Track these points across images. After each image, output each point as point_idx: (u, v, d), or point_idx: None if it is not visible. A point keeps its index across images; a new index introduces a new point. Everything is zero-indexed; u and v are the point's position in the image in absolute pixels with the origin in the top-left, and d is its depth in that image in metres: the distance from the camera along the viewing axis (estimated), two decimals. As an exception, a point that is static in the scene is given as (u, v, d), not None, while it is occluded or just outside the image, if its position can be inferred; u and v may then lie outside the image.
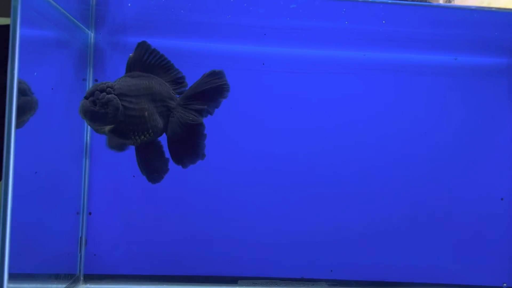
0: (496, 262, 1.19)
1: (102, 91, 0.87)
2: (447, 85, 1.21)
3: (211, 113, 0.98)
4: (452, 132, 1.20)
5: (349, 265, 1.18)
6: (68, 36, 1.04)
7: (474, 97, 1.21)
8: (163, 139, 0.96)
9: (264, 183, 1.18)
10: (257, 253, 1.18)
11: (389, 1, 1.03)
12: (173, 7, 1.06)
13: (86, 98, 0.87)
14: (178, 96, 0.97)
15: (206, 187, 1.17)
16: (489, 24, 1.12)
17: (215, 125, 1.14)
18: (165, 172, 0.95)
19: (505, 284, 1.19)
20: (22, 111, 0.80)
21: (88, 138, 1.14)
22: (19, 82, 0.75)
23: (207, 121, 1.00)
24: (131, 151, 0.94)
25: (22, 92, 0.81)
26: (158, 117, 0.92)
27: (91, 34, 1.14)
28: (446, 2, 1.22)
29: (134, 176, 1.13)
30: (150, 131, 0.91)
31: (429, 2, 1.13)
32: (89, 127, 1.01)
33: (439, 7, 1.12)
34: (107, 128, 0.89)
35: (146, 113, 0.90)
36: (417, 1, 1.06)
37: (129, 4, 1.05)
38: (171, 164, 0.98)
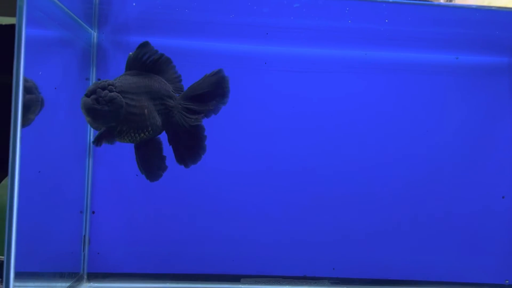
0: (498, 260, 1.20)
1: (103, 88, 0.86)
2: (448, 84, 1.21)
3: (207, 116, 0.98)
4: (453, 131, 1.21)
5: (351, 263, 1.19)
6: (71, 35, 1.05)
7: (475, 96, 1.21)
8: (162, 137, 0.97)
9: (267, 183, 1.18)
10: (259, 252, 1.18)
11: (390, 0, 1.04)
12: (177, 7, 1.06)
13: (88, 96, 0.86)
14: (177, 95, 0.97)
15: (209, 186, 1.17)
16: (489, 23, 1.12)
17: (217, 124, 1.14)
18: (164, 170, 0.96)
19: (507, 281, 1.20)
20: (27, 109, 0.80)
21: (92, 137, 1.14)
22: (25, 81, 0.76)
23: (209, 120, 1.00)
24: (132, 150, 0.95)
25: (27, 90, 0.81)
26: (157, 115, 0.93)
27: (94, 34, 1.14)
28: (447, 1, 1.23)
29: (137, 176, 1.13)
30: (150, 129, 0.91)
31: (430, 1, 1.14)
32: (92, 126, 1.01)
33: (440, 6, 1.12)
34: (108, 126, 0.88)
35: (146, 110, 0.90)
36: (418, 0, 1.06)
37: (134, 4, 1.05)
38: (173, 164, 0.98)
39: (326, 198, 1.19)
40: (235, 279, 1.17)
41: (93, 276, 1.15)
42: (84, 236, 1.14)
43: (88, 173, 1.15)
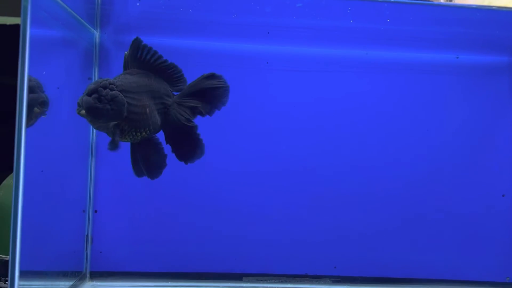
0: (499, 258, 1.20)
1: (105, 87, 0.86)
2: (449, 83, 1.22)
3: (210, 114, 0.99)
4: (453, 130, 1.21)
5: (353, 261, 1.20)
6: (74, 35, 1.05)
7: (475, 95, 1.22)
8: (160, 136, 0.97)
9: (268, 182, 1.19)
10: (261, 251, 1.19)
11: (392, 0, 1.04)
12: (181, 7, 1.07)
13: (89, 95, 0.85)
14: (175, 93, 0.97)
15: (211, 186, 1.18)
16: (490, 23, 1.13)
17: (218, 124, 1.15)
18: (164, 168, 0.96)
19: (508, 279, 1.21)
20: (29, 108, 0.80)
21: (94, 136, 1.15)
22: (28, 80, 0.76)
23: (210, 120, 1.01)
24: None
25: (30, 89, 0.81)
26: (157, 114, 0.93)
27: (97, 34, 1.14)
28: (447, 1, 1.23)
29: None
30: (151, 127, 0.92)
31: (430, 1, 1.14)
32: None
33: (440, 6, 1.13)
34: (110, 125, 0.88)
35: (147, 109, 0.91)
36: (418, 0, 1.07)
37: (138, 4, 1.06)
38: (175, 164, 0.99)
39: (328, 197, 1.19)
40: (237, 277, 1.18)
41: (96, 275, 1.15)
42: (87, 235, 1.15)
43: (90, 173, 1.15)
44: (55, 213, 1.00)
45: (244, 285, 1.16)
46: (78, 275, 1.11)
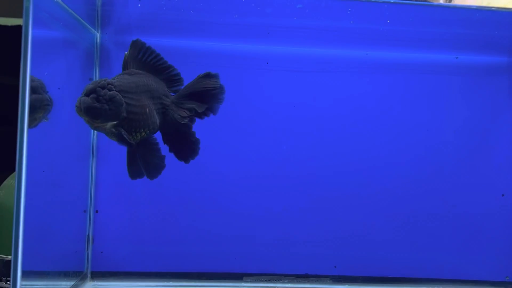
0: (498, 257, 1.21)
1: (103, 87, 0.86)
2: (448, 83, 1.22)
3: (207, 115, 0.99)
4: (453, 129, 1.22)
5: (353, 261, 1.20)
6: (75, 36, 1.05)
7: (475, 95, 1.22)
8: (157, 136, 0.98)
9: (269, 182, 1.19)
10: (262, 250, 1.19)
11: (391, 1, 1.05)
12: (182, 7, 1.07)
13: (87, 95, 0.86)
14: (172, 94, 0.98)
15: (212, 186, 1.18)
16: (489, 23, 1.14)
17: (219, 124, 1.16)
18: (163, 168, 0.96)
19: (507, 278, 1.21)
20: (33, 109, 0.81)
21: (95, 137, 1.15)
22: (32, 80, 0.76)
23: (211, 120, 1.01)
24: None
25: (33, 90, 0.81)
26: (156, 114, 0.93)
27: (97, 34, 1.15)
28: (446, 1, 1.24)
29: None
30: (151, 127, 0.92)
31: (429, 1, 1.15)
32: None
33: (440, 6, 1.13)
34: (108, 125, 0.89)
35: (147, 109, 0.91)
36: (418, 1, 1.07)
37: (139, 5, 1.06)
38: (176, 164, 0.99)
39: (328, 197, 1.20)
40: (238, 277, 1.18)
41: (97, 275, 1.15)
42: (88, 235, 1.15)
43: (91, 173, 1.15)
44: (56, 213, 1.00)
45: (245, 284, 1.16)
46: (79, 275, 1.11)
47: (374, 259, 1.20)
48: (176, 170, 1.12)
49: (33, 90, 0.83)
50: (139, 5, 1.06)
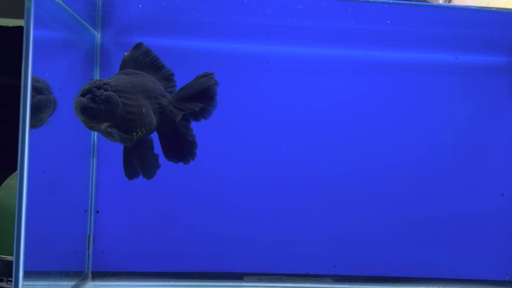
0: (498, 256, 1.21)
1: (99, 88, 0.86)
2: (448, 83, 1.22)
3: (204, 116, 0.99)
4: (453, 129, 1.22)
5: (353, 261, 1.20)
6: (75, 36, 1.05)
7: (474, 95, 1.22)
8: (153, 135, 0.98)
9: (269, 182, 1.19)
10: (262, 250, 1.19)
11: (391, 1, 1.05)
12: (182, 8, 1.07)
13: (83, 95, 0.86)
14: (168, 94, 0.98)
15: (213, 187, 1.18)
16: (488, 23, 1.14)
17: (219, 124, 1.16)
18: (158, 167, 0.97)
19: (507, 277, 1.21)
20: (38, 109, 0.81)
21: (96, 137, 1.15)
22: (36, 81, 0.76)
23: (212, 121, 1.01)
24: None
25: (37, 90, 0.81)
26: (153, 114, 0.93)
27: (98, 35, 1.15)
28: (445, 2, 1.24)
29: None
30: (148, 127, 0.92)
31: (428, 2, 1.15)
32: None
33: (439, 7, 1.14)
34: (104, 125, 0.89)
35: (144, 109, 0.91)
36: (417, 1, 1.08)
37: (140, 6, 1.06)
38: (176, 164, 1.00)
39: (328, 197, 1.20)
40: (238, 277, 1.18)
41: (98, 275, 1.15)
42: (89, 235, 1.15)
43: (92, 173, 1.15)
44: (57, 213, 1.00)
45: (246, 284, 1.16)
46: (80, 275, 1.12)
47: (375, 258, 1.20)
48: (177, 170, 1.12)
49: (38, 91, 0.83)
50: (140, 6, 1.06)
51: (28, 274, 0.78)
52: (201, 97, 0.98)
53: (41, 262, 0.91)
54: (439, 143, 1.21)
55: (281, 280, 1.18)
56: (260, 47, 1.19)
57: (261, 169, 1.19)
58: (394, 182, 1.20)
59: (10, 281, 1.03)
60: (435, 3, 1.16)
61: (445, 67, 1.22)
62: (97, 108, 0.85)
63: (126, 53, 0.94)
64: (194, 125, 1.01)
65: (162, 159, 0.98)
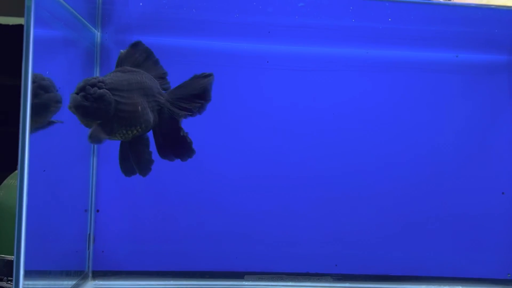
0: (500, 255, 1.21)
1: (93, 85, 0.85)
2: (448, 82, 1.22)
3: (199, 112, 0.99)
4: (454, 128, 1.22)
5: (354, 259, 1.20)
6: (76, 35, 1.05)
7: (475, 93, 1.22)
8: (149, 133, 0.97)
9: (270, 181, 1.19)
10: (262, 249, 1.19)
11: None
12: (183, 6, 1.07)
13: (77, 93, 0.85)
14: (163, 92, 0.98)
15: (212, 185, 1.18)
16: (489, 21, 1.14)
17: (219, 123, 1.16)
18: (152, 163, 0.96)
19: (509, 275, 1.21)
20: (46, 108, 0.80)
21: (96, 136, 1.15)
22: (42, 79, 0.76)
23: (212, 120, 1.01)
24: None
25: (45, 89, 0.81)
26: (149, 112, 0.93)
27: (98, 33, 1.14)
28: (446, -1, 1.24)
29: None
30: (143, 125, 0.91)
31: None
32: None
33: (440, 4, 1.13)
34: (98, 123, 0.88)
35: (139, 107, 0.90)
36: (418, -1, 1.07)
37: (141, 3, 1.06)
38: (177, 163, 0.99)
39: (329, 196, 1.20)
40: (239, 276, 1.18)
41: (98, 274, 1.15)
42: (89, 234, 1.15)
43: (92, 172, 1.15)
44: (57, 212, 1.00)
45: (246, 283, 1.16)
46: (80, 274, 1.11)
47: (375, 257, 1.20)
48: (177, 170, 1.12)
49: (45, 89, 0.83)
50: (141, 3, 1.06)
51: (28, 274, 0.78)
52: (198, 97, 0.98)
53: (41, 262, 0.90)
54: (440, 141, 1.21)
55: (281, 279, 1.18)
56: (260, 45, 1.19)
57: (261, 168, 1.19)
58: (395, 181, 1.20)
59: (10, 280, 1.03)
60: (435, 0, 1.16)
61: (445, 66, 1.22)
62: (89, 106, 0.84)
63: (122, 50, 0.94)
64: (194, 124, 1.00)
65: (157, 156, 0.98)
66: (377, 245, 1.20)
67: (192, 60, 1.16)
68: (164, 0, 1.08)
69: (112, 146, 1.09)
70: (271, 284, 1.16)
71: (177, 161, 0.99)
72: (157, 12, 1.12)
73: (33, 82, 0.78)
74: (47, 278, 0.94)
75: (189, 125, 0.98)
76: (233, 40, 1.18)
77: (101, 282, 1.14)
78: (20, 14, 0.76)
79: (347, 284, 1.18)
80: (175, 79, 0.99)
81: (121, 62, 0.93)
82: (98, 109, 0.85)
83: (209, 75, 0.99)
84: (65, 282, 1.02)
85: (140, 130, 0.91)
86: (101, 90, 0.85)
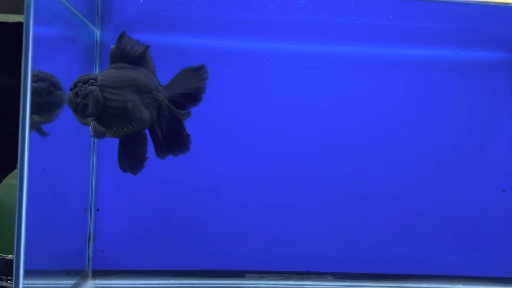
0: (501, 253, 1.21)
1: (85, 82, 0.86)
2: (449, 79, 1.22)
3: (195, 104, 0.98)
4: (454, 125, 1.22)
5: (354, 258, 1.20)
6: (75, 33, 1.05)
7: (475, 90, 1.22)
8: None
9: (270, 180, 1.19)
10: (263, 248, 1.19)
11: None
12: (183, 4, 1.07)
13: (71, 90, 0.87)
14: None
15: (213, 184, 1.18)
16: (489, 18, 1.14)
17: (220, 123, 1.15)
18: (145, 161, 0.95)
19: (511, 273, 1.21)
20: (57, 105, 0.81)
21: (96, 135, 1.14)
22: (52, 77, 0.76)
23: (212, 119, 1.01)
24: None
25: (56, 86, 0.82)
26: (144, 109, 0.91)
27: (98, 32, 1.14)
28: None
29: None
30: (133, 123, 0.90)
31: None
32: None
33: (441, 1, 1.13)
34: (89, 120, 0.88)
35: (129, 104, 0.89)
36: (419, -3, 1.07)
37: (141, 1, 1.05)
38: (177, 162, 0.99)
39: (329, 194, 1.19)
40: (240, 274, 1.18)
41: (98, 273, 1.15)
42: (89, 233, 1.14)
43: (92, 171, 1.15)
44: (57, 211, 1.00)
45: (246, 282, 1.16)
46: (80, 273, 1.11)
47: (376, 256, 1.20)
48: (177, 169, 1.12)
49: (56, 87, 0.84)
50: (141, 1, 1.06)
51: (28, 273, 0.77)
52: (194, 96, 0.97)
53: (41, 261, 0.90)
54: (440, 139, 1.21)
55: (282, 278, 1.18)
56: (260, 43, 1.19)
57: (261, 167, 1.19)
58: (396, 179, 1.20)
59: (10, 280, 1.02)
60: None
61: (446, 63, 1.22)
62: (79, 103, 0.86)
63: (112, 46, 0.93)
64: (193, 123, 1.00)
65: (151, 154, 0.97)
66: (378, 244, 1.20)
67: (192, 58, 1.14)
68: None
69: (112, 145, 1.08)
70: (271, 283, 1.16)
71: (177, 160, 0.99)
72: (157, 9, 1.12)
73: (45, 80, 0.79)
74: (47, 278, 0.93)
75: (188, 123, 0.98)
76: (233, 38, 1.18)
77: (101, 281, 1.14)
78: (19, 11, 0.76)
79: (348, 283, 1.18)
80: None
81: (114, 58, 0.92)
82: (86, 106, 0.86)
83: (202, 67, 0.98)
84: (65, 281, 1.02)
85: (131, 128, 0.90)
86: (91, 87, 0.86)
